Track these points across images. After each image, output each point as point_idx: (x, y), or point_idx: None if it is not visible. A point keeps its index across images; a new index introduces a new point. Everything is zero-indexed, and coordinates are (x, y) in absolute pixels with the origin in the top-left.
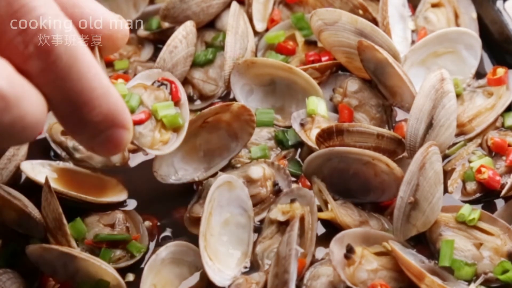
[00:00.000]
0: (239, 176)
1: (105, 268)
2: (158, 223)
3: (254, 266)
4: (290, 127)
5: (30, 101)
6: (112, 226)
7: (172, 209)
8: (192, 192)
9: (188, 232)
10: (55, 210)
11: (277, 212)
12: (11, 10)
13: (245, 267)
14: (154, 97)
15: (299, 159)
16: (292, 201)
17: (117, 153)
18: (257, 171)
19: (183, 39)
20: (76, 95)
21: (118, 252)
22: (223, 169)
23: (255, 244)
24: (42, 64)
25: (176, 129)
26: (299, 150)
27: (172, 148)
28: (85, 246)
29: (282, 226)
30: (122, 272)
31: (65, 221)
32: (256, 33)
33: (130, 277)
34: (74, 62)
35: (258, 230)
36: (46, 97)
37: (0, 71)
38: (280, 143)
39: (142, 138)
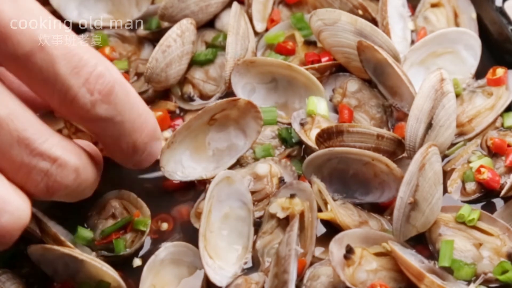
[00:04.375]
0: (247, 174)
1: (105, 270)
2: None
3: (254, 263)
4: None
5: (90, 168)
6: (113, 216)
7: (178, 206)
8: (197, 189)
9: (192, 227)
10: (50, 233)
11: (276, 207)
12: (70, 66)
13: (246, 263)
14: None
15: (299, 159)
16: (292, 196)
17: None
18: (263, 167)
19: (177, 38)
20: (130, 124)
21: (129, 236)
22: (231, 168)
23: (255, 239)
24: (106, 106)
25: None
26: (303, 147)
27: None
28: (99, 247)
29: (282, 220)
30: (129, 258)
31: (62, 237)
32: (255, 33)
33: (138, 261)
34: (127, 95)
35: (259, 225)
36: (104, 139)
37: (74, 149)
38: (284, 141)
39: None
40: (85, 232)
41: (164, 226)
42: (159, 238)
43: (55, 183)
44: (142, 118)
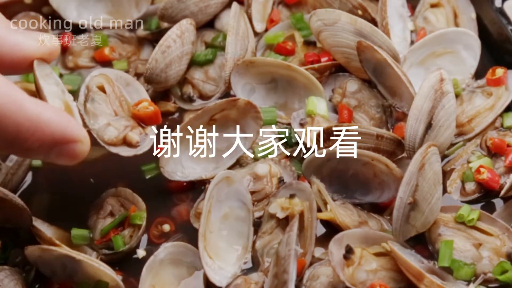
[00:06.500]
0: (246, 174)
1: (103, 269)
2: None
3: (254, 263)
4: None
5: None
6: (111, 214)
7: (177, 206)
8: (196, 189)
9: (192, 228)
10: (46, 238)
11: (276, 207)
12: None
13: (245, 263)
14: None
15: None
16: (292, 196)
17: (77, 162)
18: (263, 167)
19: (177, 38)
20: (5, 134)
21: (127, 232)
22: (231, 168)
23: (255, 239)
24: None
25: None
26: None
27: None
28: (100, 246)
29: (282, 220)
30: (130, 255)
31: (57, 242)
32: (255, 33)
33: (143, 252)
34: (8, 102)
35: (259, 225)
36: None
37: None
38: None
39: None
40: (80, 232)
41: (166, 228)
42: (163, 241)
43: None
44: (24, 126)
